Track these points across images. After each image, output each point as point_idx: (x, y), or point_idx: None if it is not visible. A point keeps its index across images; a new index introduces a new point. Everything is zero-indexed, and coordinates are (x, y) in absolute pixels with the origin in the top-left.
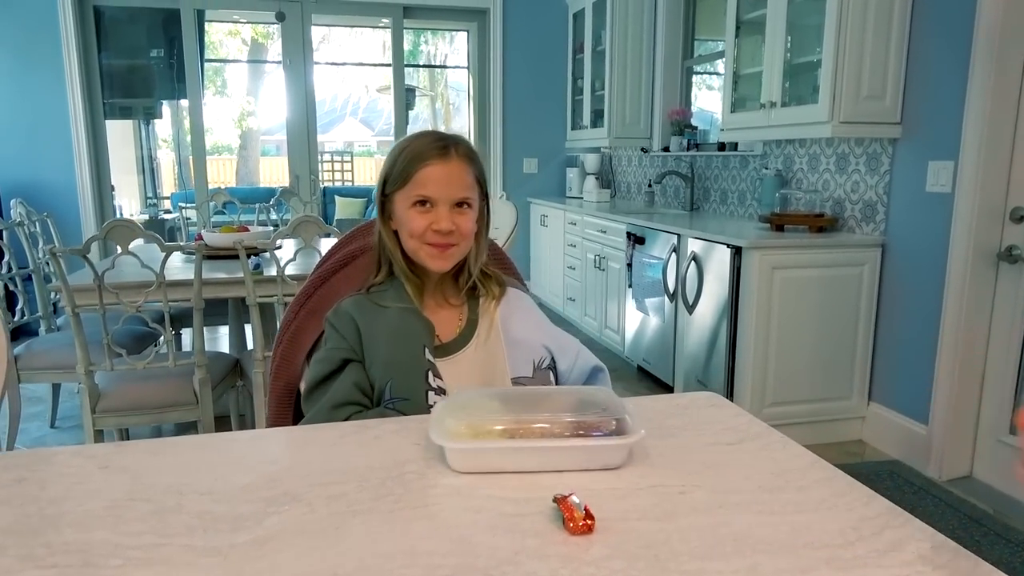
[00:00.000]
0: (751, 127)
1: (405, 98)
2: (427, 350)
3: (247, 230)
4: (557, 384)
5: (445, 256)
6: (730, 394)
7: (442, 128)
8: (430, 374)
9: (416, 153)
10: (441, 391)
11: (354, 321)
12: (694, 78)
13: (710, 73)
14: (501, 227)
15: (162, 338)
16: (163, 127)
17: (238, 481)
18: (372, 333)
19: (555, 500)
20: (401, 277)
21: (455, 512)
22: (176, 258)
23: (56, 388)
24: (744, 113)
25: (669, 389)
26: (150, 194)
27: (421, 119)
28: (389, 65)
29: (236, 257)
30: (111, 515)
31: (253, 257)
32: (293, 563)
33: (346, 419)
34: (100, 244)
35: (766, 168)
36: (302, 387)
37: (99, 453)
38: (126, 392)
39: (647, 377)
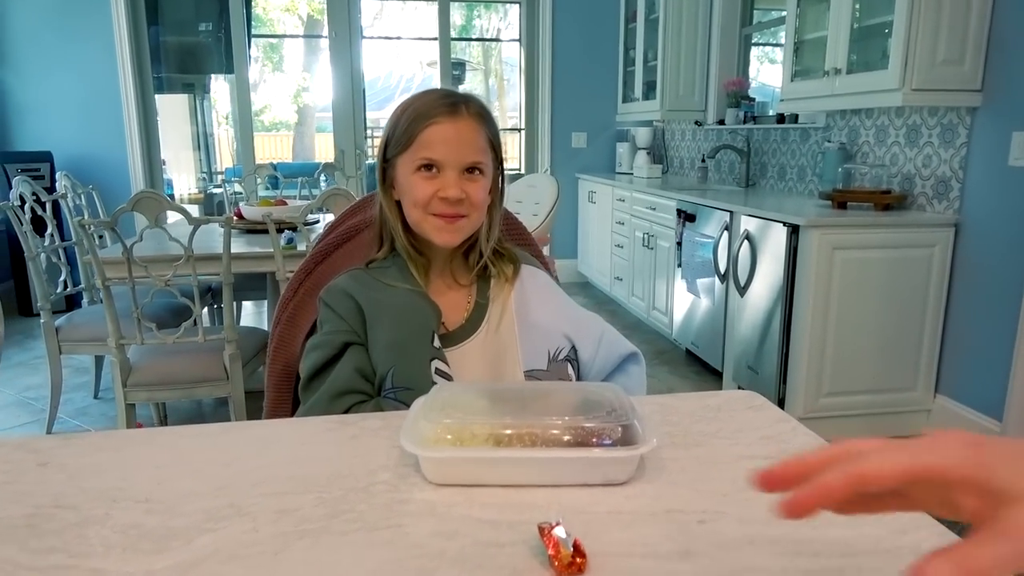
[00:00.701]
0: (813, 96)
1: (452, 72)
2: (435, 336)
3: (285, 203)
4: (579, 378)
5: (453, 228)
6: (783, 381)
7: (495, 104)
8: (436, 362)
9: (421, 111)
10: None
11: (352, 298)
12: (753, 50)
13: (770, 44)
14: (542, 202)
15: (196, 312)
16: (223, 105)
17: (182, 486)
18: (375, 312)
19: (539, 530)
20: (404, 255)
21: (422, 537)
22: (216, 232)
23: (99, 360)
24: (806, 82)
25: (718, 375)
26: (205, 169)
27: (477, 94)
28: (436, 39)
29: (280, 231)
30: (27, 525)
31: (288, 231)
32: None
33: (346, 411)
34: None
35: (828, 141)
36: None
37: (44, 447)
38: (157, 366)
39: (695, 361)
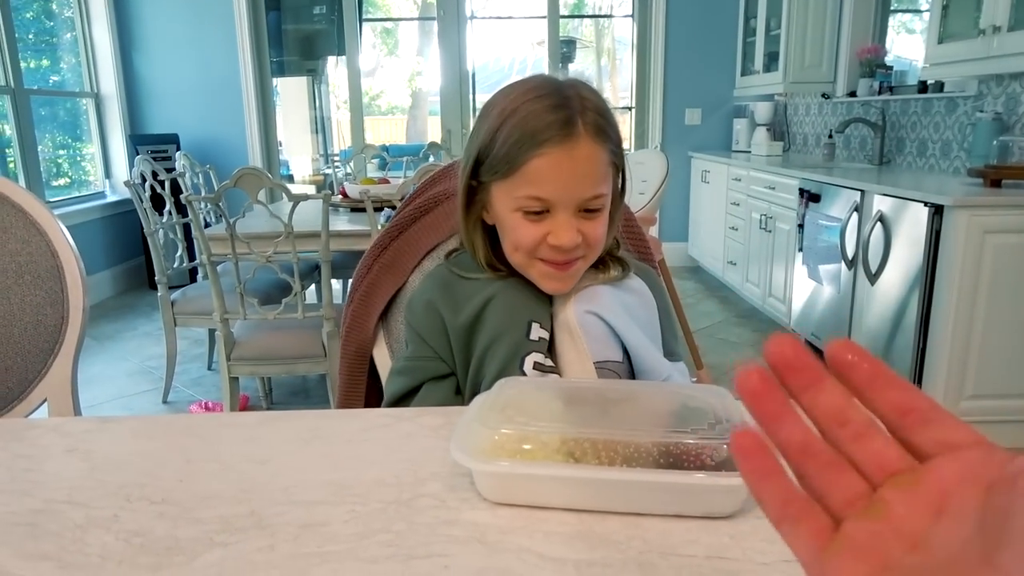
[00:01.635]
0: (965, 60)
1: (561, 51)
2: (535, 327)
3: (388, 182)
4: None
5: (565, 276)
6: (918, 380)
7: (607, 83)
8: (528, 361)
9: (528, 130)
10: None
11: (436, 312)
12: (891, 18)
13: (909, 11)
14: (649, 180)
15: (296, 289)
16: (343, 90)
17: (206, 486)
18: (460, 312)
19: None
20: (487, 274)
21: (466, 572)
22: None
23: (212, 333)
24: (956, 43)
25: None
26: (322, 152)
27: (585, 76)
28: (545, 17)
29: (377, 209)
30: (28, 524)
31: (387, 209)
32: None
33: None
34: (267, 193)
35: (981, 111)
36: (385, 352)
37: (77, 431)
38: (259, 341)
39: (816, 354)
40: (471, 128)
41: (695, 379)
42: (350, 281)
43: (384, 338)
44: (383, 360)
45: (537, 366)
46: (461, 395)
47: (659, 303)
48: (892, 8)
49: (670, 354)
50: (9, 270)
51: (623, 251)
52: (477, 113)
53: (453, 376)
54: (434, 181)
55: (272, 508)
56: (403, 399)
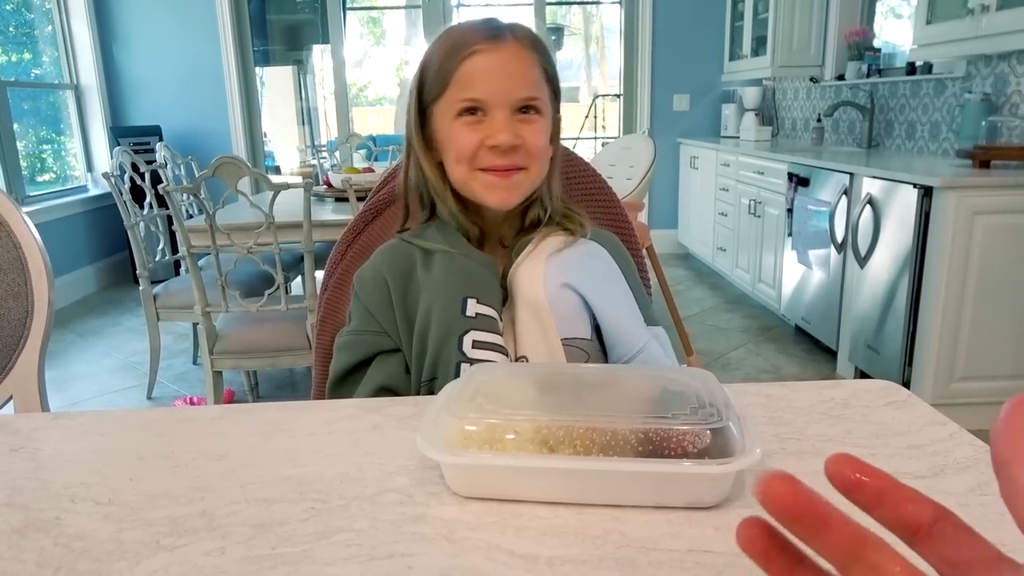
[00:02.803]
0: (953, 40)
1: (549, 38)
2: (471, 303)
3: (373, 171)
4: None
5: (508, 184)
6: (908, 363)
7: (595, 71)
8: (466, 340)
9: (457, 42)
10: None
11: (384, 282)
12: (878, 3)
13: None
14: (636, 165)
15: (279, 281)
16: (330, 82)
17: (157, 484)
18: (406, 291)
19: None
20: (452, 224)
21: (430, 573)
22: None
23: (196, 327)
24: (944, 24)
25: (831, 354)
26: (309, 143)
27: (574, 65)
28: (531, 4)
29: (361, 199)
30: None
31: None
32: None
33: None
34: (251, 183)
35: (969, 92)
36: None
37: (25, 428)
38: (242, 335)
39: (805, 339)
40: None
41: (686, 364)
42: None
43: None
44: None
45: (477, 344)
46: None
47: (623, 268)
48: None
49: (647, 320)
50: None
51: (582, 215)
52: None
53: (400, 352)
54: None
55: (225, 507)
56: (348, 376)
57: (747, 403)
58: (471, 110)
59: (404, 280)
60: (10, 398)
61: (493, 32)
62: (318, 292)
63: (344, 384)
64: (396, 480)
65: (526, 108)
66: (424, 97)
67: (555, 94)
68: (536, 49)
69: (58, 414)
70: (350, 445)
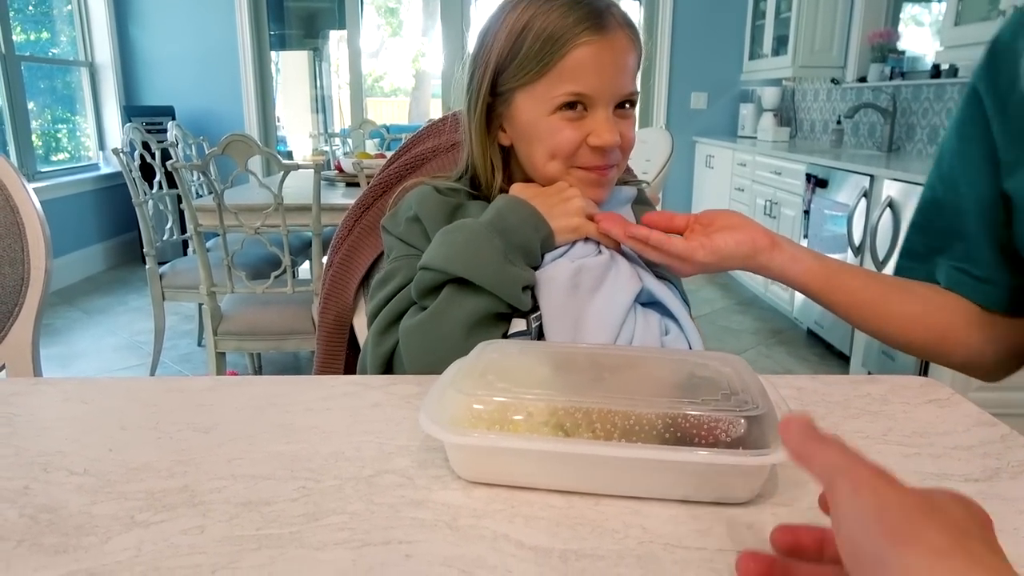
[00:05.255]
0: (982, 42)
1: None
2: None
3: (384, 157)
4: None
5: (604, 182)
6: (924, 371)
7: None
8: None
9: (561, 24)
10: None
11: (420, 224)
12: (902, 9)
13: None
14: (653, 159)
15: (286, 263)
16: (345, 71)
17: (138, 455)
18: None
19: None
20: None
21: (430, 566)
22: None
23: (202, 308)
24: (973, 26)
25: (844, 359)
26: (323, 131)
27: None
28: None
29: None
30: None
31: None
32: None
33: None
34: (263, 165)
35: None
36: (365, 321)
37: (6, 392)
38: (247, 316)
39: (818, 343)
40: (476, 39)
41: None
42: None
43: (365, 307)
44: (364, 330)
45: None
46: None
47: None
48: None
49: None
50: None
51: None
52: (483, 24)
53: None
54: (420, 138)
55: (209, 483)
56: (389, 304)
57: (783, 395)
58: (573, 104)
59: (441, 222)
60: (2, 367)
61: (602, 18)
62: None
63: (390, 329)
64: (396, 461)
65: (624, 103)
66: (504, 80)
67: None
68: (636, 37)
69: (40, 380)
70: (348, 423)
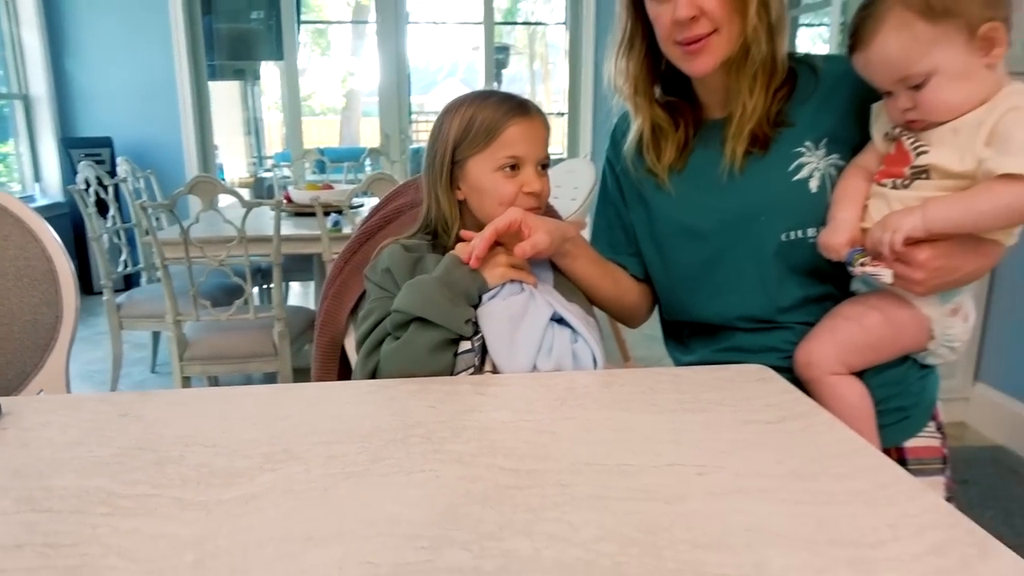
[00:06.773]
0: None
1: (496, 56)
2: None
3: (331, 187)
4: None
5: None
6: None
7: (540, 87)
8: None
9: (500, 110)
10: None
11: (391, 276)
12: (800, 31)
13: (818, 25)
14: (580, 187)
15: (248, 292)
16: (273, 91)
17: (244, 435)
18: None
19: None
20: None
21: (450, 480)
22: (267, 215)
23: (156, 336)
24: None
25: None
26: (255, 154)
27: (519, 80)
28: (481, 23)
29: (327, 214)
30: (116, 462)
31: (334, 214)
32: (272, 523)
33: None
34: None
35: None
36: (353, 345)
37: (122, 401)
38: (211, 342)
39: None
40: (432, 128)
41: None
42: (292, 283)
43: (354, 332)
44: (351, 349)
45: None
46: None
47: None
48: (800, 22)
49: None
50: (9, 274)
51: None
52: (437, 118)
53: None
54: (397, 194)
55: (300, 447)
56: (372, 333)
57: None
58: (512, 166)
59: (409, 271)
60: (40, 392)
61: (523, 108)
62: (289, 304)
63: (373, 352)
64: (416, 430)
65: (544, 165)
66: (460, 152)
67: None
68: (546, 122)
69: (144, 392)
70: (376, 410)
